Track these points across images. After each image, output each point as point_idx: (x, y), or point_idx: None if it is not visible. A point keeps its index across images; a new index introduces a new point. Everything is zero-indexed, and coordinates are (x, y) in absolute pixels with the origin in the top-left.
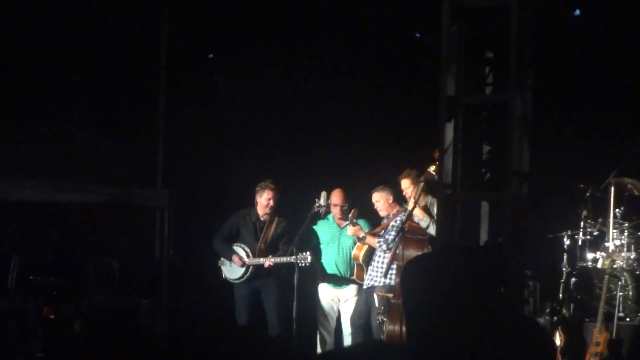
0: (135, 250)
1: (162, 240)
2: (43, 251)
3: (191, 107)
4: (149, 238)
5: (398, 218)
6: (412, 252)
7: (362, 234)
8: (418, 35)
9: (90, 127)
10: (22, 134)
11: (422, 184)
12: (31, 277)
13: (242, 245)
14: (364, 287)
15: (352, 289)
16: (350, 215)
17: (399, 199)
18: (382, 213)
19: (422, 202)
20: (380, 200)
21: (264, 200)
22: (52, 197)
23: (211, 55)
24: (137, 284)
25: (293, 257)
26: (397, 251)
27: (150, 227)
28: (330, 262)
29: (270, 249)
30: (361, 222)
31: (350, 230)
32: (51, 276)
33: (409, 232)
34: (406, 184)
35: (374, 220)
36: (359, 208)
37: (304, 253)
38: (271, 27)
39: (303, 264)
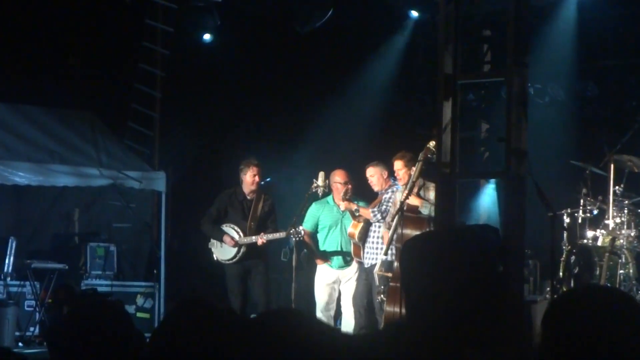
0: (133, 234)
1: (159, 223)
2: (40, 235)
3: (187, 90)
4: (146, 221)
5: (390, 191)
6: (410, 231)
7: (354, 207)
8: (414, 13)
9: (87, 110)
10: (20, 118)
11: (420, 164)
12: (28, 261)
13: (232, 226)
14: (365, 266)
15: (353, 268)
16: (343, 193)
17: (394, 174)
18: (375, 188)
19: (417, 184)
20: (375, 175)
21: (249, 177)
22: (49, 181)
23: (207, 37)
24: (135, 267)
25: (284, 232)
26: (397, 231)
27: (148, 211)
28: (336, 245)
29: (260, 227)
30: (361, 204)
31: (342, 205)
32: (49, 260)
33: (406, 211)
34: (399, 165)
35: (371, 198)
36: (358, 187)
37: (297, 227)
38: (266, 7)
39: (296, 239)
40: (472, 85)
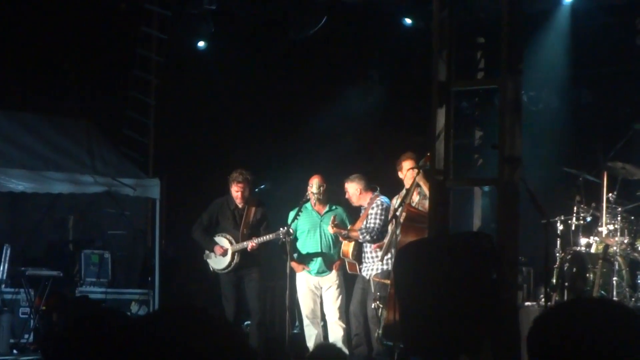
0: (128, 241)
1: (154, 230)
2: (35, 243)
3: (182, 97)
4: (141, 228)
5: (374, 205)
6: (411, 240)
7: (344, 232)
8: (408, 20)
9: (81, 118)
10: (15, 125)
11: (418, 172)
12: (23, 268)
13: (224, 234)
14: (366, 277)
15: (333, 276)
16: (331, 221)
17: (370, 187)
18: (353, 203)
19: (416, 191)
20: (349, 190)
21: (233, 192)
22: (44, 188)
23: (202, 44)
24: (130, 274)
25: (274, 233)
26: (397, 239)
27: (142, 218)
28: (313, 249)
29: (253, 234)
30: (340, 209)
31: (331, 229)
32: (43, 268)
33: (408, 220)
34: (409, 165)
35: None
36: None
37: (284, 228)
38: (261, 15)
39: (284, 239)
40: (465, 92)
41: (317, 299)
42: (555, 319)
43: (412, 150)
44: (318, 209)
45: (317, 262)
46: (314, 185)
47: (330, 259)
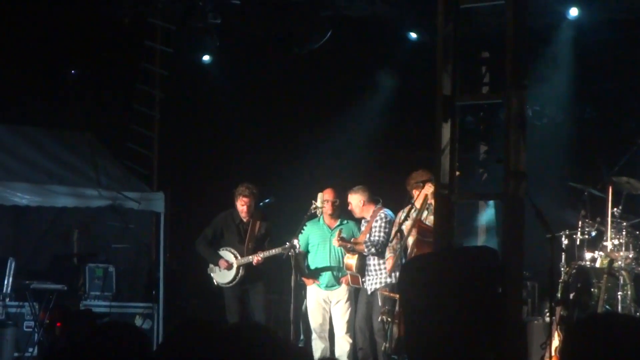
0: (132, 255)
1: (158, 244)
2: (39, 256)
3: (186, 111)
4: (145, 242)
5: (378, 218)
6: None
7: (349, 245)
8: (413, 35)
9: (85, 131)
10: (19, 139)
11: (422, 186)
12: (27, 282)
13: (229, 249)
14: (369, 292)
15: (342, 290)
16: (336, 235)
17: (374, 199)
18: (356, 215)
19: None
20: (352, 202)
21: (238, 207)
22: (48, 201)
23: (207, 58)
24: (134, 288)
25: (280, 247)
26: (408, 252)
27: (147, 231)
28: (323, 263)
29: (258, 248)
30: (351, 223)
31: (336, 243)
32: (47, 281)
33: (422, 235)
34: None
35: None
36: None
37: (292, 241)
38: (265, 29)
39: (292, 253)
40: (470, 107)
41: (326, 314)
42: (592, 330)
43: (418, 165)
44: (329, 223)
45: (326, 276)
46: (319, 199)
47: (339, 273)
